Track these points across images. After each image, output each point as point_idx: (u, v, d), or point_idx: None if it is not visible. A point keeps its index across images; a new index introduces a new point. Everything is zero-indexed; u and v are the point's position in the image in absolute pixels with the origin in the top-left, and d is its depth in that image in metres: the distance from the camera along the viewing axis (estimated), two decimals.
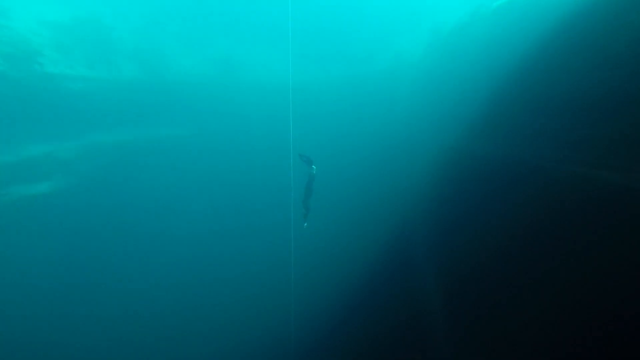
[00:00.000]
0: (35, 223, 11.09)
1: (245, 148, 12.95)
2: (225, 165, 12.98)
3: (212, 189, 12.87)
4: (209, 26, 13.22)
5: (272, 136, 12.49)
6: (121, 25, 12.55)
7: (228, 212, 12.91)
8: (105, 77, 12.71)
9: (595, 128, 8.70)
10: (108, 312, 11.87)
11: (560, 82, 9.51)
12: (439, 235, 10.93)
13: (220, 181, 12.95)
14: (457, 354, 9.44)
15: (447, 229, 10.76)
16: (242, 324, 11.71)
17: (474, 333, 9.27)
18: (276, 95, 12.51)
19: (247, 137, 12.97)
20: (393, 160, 12.12)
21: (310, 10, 12.72)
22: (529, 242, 8.93)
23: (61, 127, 12.01)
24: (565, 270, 8.19)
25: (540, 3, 9.64)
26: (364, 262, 11.83)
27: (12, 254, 10.47)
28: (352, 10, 12.95)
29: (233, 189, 12.95)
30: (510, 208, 9.63)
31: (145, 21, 12.87)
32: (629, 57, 8.19)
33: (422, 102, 11.80)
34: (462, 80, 11.12)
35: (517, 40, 9.60)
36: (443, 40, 11.60)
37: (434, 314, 10.45)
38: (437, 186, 11.22)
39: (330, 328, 11.08)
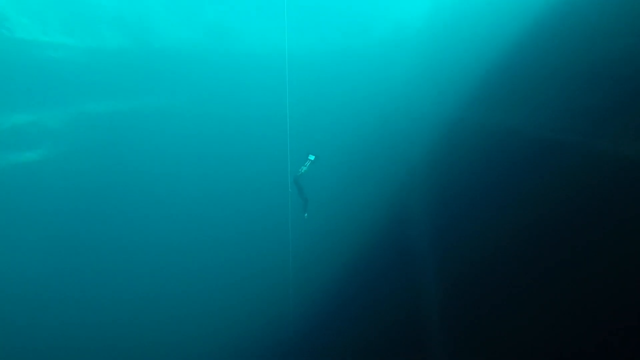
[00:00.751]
0: (26, 191, 10.62)
1: (240, 119, 12.62)
2: (219, 137, 12.64)
3: (206, 161, 12.53)
4: None
5: (267, 107, 12.21)
6: None
7: (223, 183, 12.63)
8: (88, 45, 12.03)
9: (597, 97, 8.86)
10: (99, 284, 11.65)
11: (562, 51, 9.60)
12: (439, 206, 11.05)
13: (214, 154, 12.61)
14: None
15: (447, 200, 10.87)
16: (240, 312, 11.60)
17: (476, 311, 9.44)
18: (271, 65, 12.16)
19: (241, 107, 12.62)
20: (392, 131, 12.08)
21: None
22: (530, 212, 9.15)
23: (45, 96, 11.40)
24: (565, 239, 8.44)
25: None
26: (364, 241, 11.84)
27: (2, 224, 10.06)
28: None
29: (228, 161, 12.65)
30: (510, 178, 9.79)
31: None
32: (632, 27, 8.31)
33: (422, 72, 11.73)
34: (463, 50, 11.10)
35: (521, 11, 9.59)
36: (444, 9, 11.50)
37: (435, 294, 10.61)
38: (437, 157, 11.29)
39: (329, 321, 11.05)
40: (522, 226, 9.05)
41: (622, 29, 8.33)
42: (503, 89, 10.50)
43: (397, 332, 10.26)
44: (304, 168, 10.83)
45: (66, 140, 11.74)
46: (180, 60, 12.37)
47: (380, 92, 12.31)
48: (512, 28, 9.82)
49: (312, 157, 10.89)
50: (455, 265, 10.18)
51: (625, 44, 8.27)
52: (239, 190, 12.69)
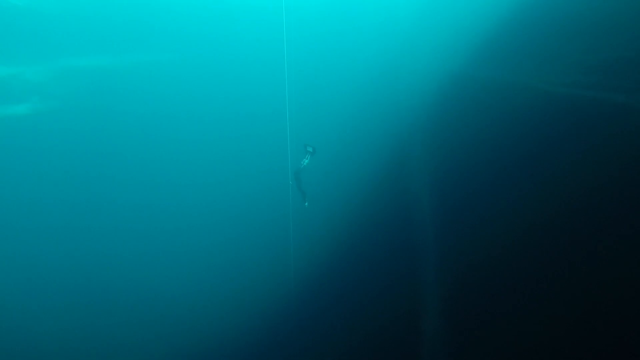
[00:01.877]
0: (14, 143, 10.25)
1: (236, 76, 12.03)
2: (213, 95, 12.10)
3: (202, 121, 12.06)
4: None
5: (264, 59, 11.64)
6: None
7: (218, 140, 12.23)
8: None
9: (611, 50, 8.53)
10: (86, 246, 11.46)
11: (571, 3, 9.14)
12: (442, 164, 10.83)
13: (209, 114, 12.12)
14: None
15: (450, 157, 10.65)
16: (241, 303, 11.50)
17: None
18: (268, 16, 11.49)
19: (237, 63, 12.02)
20: (393, 87, 11.65)
21: None
22: (537, 169, 9.00)
23: (23, 50, 10.74)
24: (573, 194, 8.35)
25: None
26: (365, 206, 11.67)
27: None
28: None
29: (225, 119, 12.18)
30: (518, 135, 9.57)
31: None
32: None
33: (424, 24, 11.17)
34: (469, 1, 10.55)
35: None
36: None
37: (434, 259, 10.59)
38: (441, 114, 10.97)
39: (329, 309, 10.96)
40: (532, 187, 8.91)
41: None
42: (511, 41, 10.06)
43: (398, 323, 10.19)
44: (305, 161, 10.83)
45: (55, 95, 11.17)
46: (175, 12, 11.61)
47: (379, 47, 11.76)
48: None
49: (310, 149, 10.92)
50: (458, 234, 10.10)
51: None
52: (235, 150, 12.32)
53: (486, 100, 10.31)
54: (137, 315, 11.23)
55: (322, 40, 12.14)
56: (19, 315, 10.78)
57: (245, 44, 11.85)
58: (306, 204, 11.15)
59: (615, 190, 7.76)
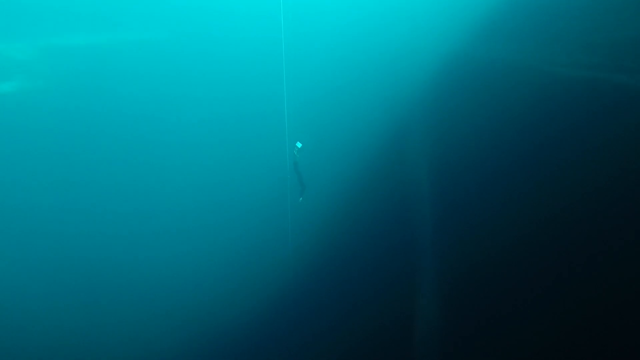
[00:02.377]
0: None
1: (233, 55, 11.64)
2: (209, 75, 11.72)
3: (198, 105, 11.69)
4: None
5: (261, 47, 11.34)
6: None
7: (211, 125, 11.90)
8: None
9: (612, 31, 8.44)
10: (75, 225, 11.21)
11: None
12: (442, 148, 10.74)
13: (205, 96, 11.75)
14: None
15: (450, 141, 10.55)
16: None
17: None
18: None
19: (234, 55, 11.62)
20: (393, 67, 11.44)
21: None
22: (541, 152, 8.97)
23: (5, 26, 10.21)
24: (578, 175, 8.35)
25: None
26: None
27: None
28: None
29: (219, 101, 11.83)
30: (518, 117, 9.50)
31: None
32: None
33: (424, 3, 10.95)
34: None
35: None
36: None
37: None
38: (440, 96, 10.83)
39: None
40: (533, 168, 8.89)
41: None
42: (512, 21, 9.92)
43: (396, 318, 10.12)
44: (299, 145, 10.82)
45: (40, 74, 10.74)
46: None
47: (378, 28, 11.50)
48: None
49: (299, 145, 10.89)
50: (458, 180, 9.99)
51: None
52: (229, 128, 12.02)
53: (486, 82, 10.20)
54: (134, 307, 11.02)
55: (318, 22, 11.83)
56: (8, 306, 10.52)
57: (241, 32, 11.48)
58: (300, 199, 11.07)
59: (618, 174, 7.76)
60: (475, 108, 10.27)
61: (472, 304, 9.21)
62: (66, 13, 10.68)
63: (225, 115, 11.93)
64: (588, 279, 7.76)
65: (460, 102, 10.53)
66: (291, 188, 11.23)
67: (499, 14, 10.11)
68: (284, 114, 10.93)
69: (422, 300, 9.98)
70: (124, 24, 11.07)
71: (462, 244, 9.89)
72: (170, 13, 11.14)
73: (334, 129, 11.88)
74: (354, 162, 11.71)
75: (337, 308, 10.59)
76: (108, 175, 11.42)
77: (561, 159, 8.67)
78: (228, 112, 11.87)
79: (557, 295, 8.08)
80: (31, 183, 10.83)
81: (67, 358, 10.43)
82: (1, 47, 10.19)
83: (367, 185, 11.55)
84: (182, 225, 11.65)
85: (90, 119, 11.09)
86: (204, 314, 10.95)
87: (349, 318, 10.33)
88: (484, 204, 9.69)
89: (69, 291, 10.84)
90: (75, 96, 10.81)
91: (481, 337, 8.69)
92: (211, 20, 11.55)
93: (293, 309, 10.83)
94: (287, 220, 11.40)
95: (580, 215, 8.08)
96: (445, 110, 10.76)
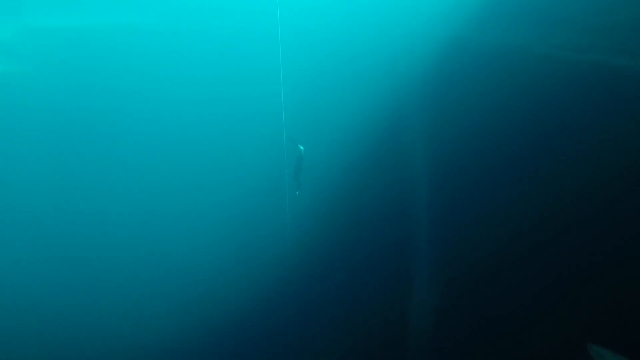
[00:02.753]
0: None
1: (231, 49, 11.31)
2: (205, 67, 11.37)
3: (194, 98, 11.35)
4: None
5: (258, 38, 11.07)
6: None
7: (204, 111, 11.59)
8: None
9: (615, 14, 8.54)
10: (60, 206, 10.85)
11: None
12: (442, 133, 10.72)
13: (201, 89, 11.40)
14: None
15: (450, 129, 10.53)
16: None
17: None
18: None
19: (232, 51, 11.29)
20: (392, 51, 11.33)
21: None
22: (546, 135, 9.06)
23: None
24: (580, 158, 8.48)
25: None
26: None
27: None
28: None
29: (215, 94, 11.50)
30: (521, 100, 9.55)
31: None
32: None
33: None
34: None
35: None
36: None
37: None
38: (441, 82, 10.78)
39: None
40: (536, 152, 8.98)
41: None
42: (514, 3, 9.91)
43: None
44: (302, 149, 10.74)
45: (24, 56, 10.24)
46: None
47: (378, 10, 11.36)
48: None
49: (302, 148, 10.79)
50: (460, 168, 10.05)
51: None
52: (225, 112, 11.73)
53: (486, 66, 10.16)
54: (133, 302, 10.74)
55: (315, 10, 11.63)
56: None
57: (238, 26, 11.15)
58: (297, 192, 11.01)
59: (620, 158, 7.90)
60: (476, 93, 10.19)
61: (472, 293, 9.10)
62: None
63: (223, 109, 11.65)
64: (589, 277, 7.83)
65: (461, 88, 10.44)
66: (289, 182, 11.10)
67: (503, 1, 10.10)
68: (281, 107, 10.74)
69: (420, 290, 9.99)
70: (118, 10, 10.66)
71: (462, 229, 9.90)
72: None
73: (331, 122, 11.76)
74: (353, 154, 11.60)
75: (335, 302, 10.49)
76: (100, 162, 11.05)
77: (563, 143, 8.78)
78: (225, 106, 11.60)
79: (557, 294, 8.11)
80: (15, 166, 10.42)
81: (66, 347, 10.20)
82: None
83: (366, 177, 11.42)
84: (181, 219, 11.43)
85: (75, 103, 10.68)
86: (201, 307, 10.76)
87: (347, 312, 10.20)
88: (487, 192, 9.67)
89: (64, 277, 10.53)
90: (58, 79, 10.38)
91: (478, 329, 8.56)
92: (207, 14, 11.33)
93: (291, 303, 10.72)
94: (286, 215, 11.34)
95: (584, 195, 8.21)
96: (445, 96, 10.70)
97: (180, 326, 10.38)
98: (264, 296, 10.64)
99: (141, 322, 10.43)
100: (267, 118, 11.22)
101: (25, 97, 10.30)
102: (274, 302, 10.58)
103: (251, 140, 11.65)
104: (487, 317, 8.51)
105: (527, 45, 9.65)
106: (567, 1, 8.98)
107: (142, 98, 11.19)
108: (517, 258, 8.71)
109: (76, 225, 10.85)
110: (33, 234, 10.59)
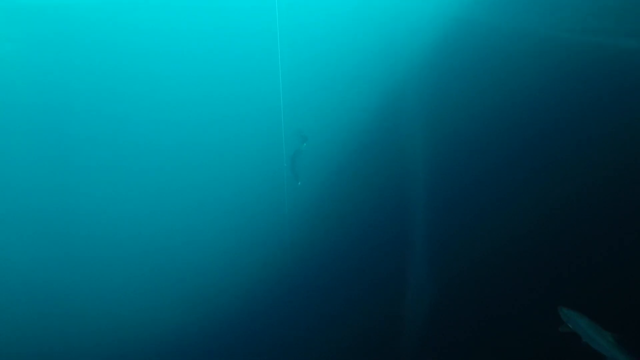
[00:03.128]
0: None
1: (229, 42, 10.85)
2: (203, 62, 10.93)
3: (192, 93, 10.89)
4: None
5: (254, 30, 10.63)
6: None
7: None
8: None
9: None
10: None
11: None
12: (445, 124, 10.41)
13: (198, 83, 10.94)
14: None
15: (452, 111, 10.24)
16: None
17: None
18: None
19: (229, 45, 10.82)
20: (391, 32, 10.93)
21: None
22: (548, 117, 8.86)
23: None
24: (585, 144, 8.29)
25: None
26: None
27: None
28: None
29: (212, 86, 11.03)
30: (523, 85, 9.30)
31: None
32: None
33: None
34: None
35: None
36: None
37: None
38: (442, 63, 10.45)
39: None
40: (540, 139, 8.75)
41: None
42: None
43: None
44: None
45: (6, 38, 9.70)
46: None
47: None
48: None
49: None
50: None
51: None
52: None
53: (488, 50, 9.90)
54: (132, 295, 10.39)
55: None
56: None
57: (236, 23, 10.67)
58: (299, 183, 10.63)
59: (628, 144, 7.73)
60: (478, 80, 9.94)
61: (471, 292, 8.96)
62: None
63: (221, 101, 11.23)
64: (589, 277, 7.69)
65: (462, 75, 10.16)
66: (288, 176, 10.70)
67: None
68: (279, 100, 10.38)
69: (419, 287, 9.81)
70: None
71: (464, 218, 9.75)
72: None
73: (330, 116, 11.44)
74: (352, 147, 11.34)
75: (333, 298, 10.30)
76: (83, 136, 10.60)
77: (569, 128, 8.58)
78: (223, 98, 11.17)
79: (557, 294, 7.74)
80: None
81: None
82: None
83: (365, 171, 11.18)
84: (177, 212, 11.07)
85: (59, 84, 10.19)
86: (197, 303, 10.48)
87: (346, 308, 10.03)
88: (489, 180, 9.44)
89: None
90: (43, 60, 9.88)
91: (478, 329, 8.47)
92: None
93: (289, 302, 10.51)
94: (284, 208, 11.00)
95: (591, 179, 7.99)
96: (448, 74, 10.38)
97: (174, 322, 10.04)
98: (261, 293, 10.38)
99: (138, 316, 10.07)
100: (266, 111, 10.91)
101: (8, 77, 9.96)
102: (271, 300, 10.32)
103: (249, 133, 11.18)
104: (486, 317, 8.33)
105: (531, 28, 9.38)
106: None
107: (139, 94, 10.85)
108: (517, 257, 8.52)
109: (69, 211, 10.57)
110: (18, 219, 10.28)
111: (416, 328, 9.17)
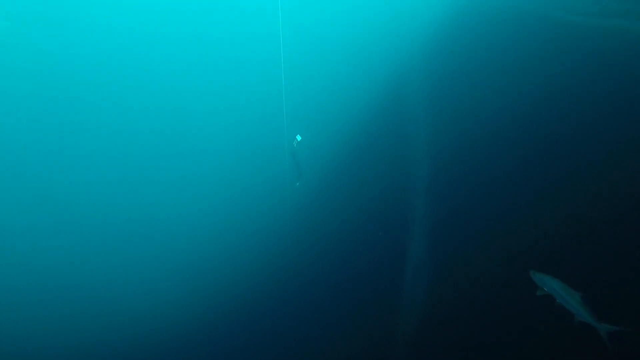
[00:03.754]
0: None
1: (233, 42, 10.64)
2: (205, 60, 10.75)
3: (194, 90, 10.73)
4: None
5: (257, 26, 10.40)
6: None
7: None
8: None
9: None
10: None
11: None
12: (445, 100, 10.01)
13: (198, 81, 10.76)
14: None
15: (456, 94, 9.85)
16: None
17: None
18: None
19: (233, 43, 10.61)
20: (393, 16, 10.58)
21: None
22: (558, 99, 8.41)
23: None
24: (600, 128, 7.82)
25: None
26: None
27: None
28: None
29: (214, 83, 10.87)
30: (534, 70, 8.86)
31: None
32: None
33: None
34: None
35: None
36: None
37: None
38: (447, 46, 10.05)
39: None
40: (553, 124, 8.31)
41: None
42: None
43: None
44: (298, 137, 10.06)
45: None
46: None
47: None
48: None
49: (299, 138, 10.18)
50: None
51: None
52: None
53: (501, 33, 9.49)
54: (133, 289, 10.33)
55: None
56: None
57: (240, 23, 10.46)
58: (297, 183, 10.59)
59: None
60: (488, 66, 9.51)
61: (472, 291, 8.71)
62: None
63: (224, 101, 11.11)
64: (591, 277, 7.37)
65: (472, 50, 9.72)
66: (290, 174, 10.54)
67: None
68: (282, 98, 10.14)
69: (419, 285, 9.58)
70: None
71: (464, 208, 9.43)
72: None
73: (331, 111, 11.21)
74: (353, 144, 11.12)
75: (334, 297, 10.13)
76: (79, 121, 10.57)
77: (585, 122, 8.05)
78: (227, 98, 11.03)
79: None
80: None
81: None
82: None
83: (365, 171, 10.97)
84: (180, 210, 11.03)
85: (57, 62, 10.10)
86: (200, 300, 10.40)
87: (345, 307, 9.88)
88: (490, 181, 9.03)
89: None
90: (38, 39, 9.70)
91: (477, 329, 8.26)
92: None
93: (288, 301, 10.38)
94: (285, 209, 10.87)
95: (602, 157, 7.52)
96: (454, 71, 9.97)
97: (175, 320, 9.95)
98: (261, 292, 10.23)
99: (141, 314, 10.00)
100: (269, 112, 10.68)
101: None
102: (271, 300, 10.17)
103: (251, 134, 11.20)
104: (486, 317, 8.05)
105: (544, 11, 8.90)
106: None
107: (144, 95, 10.81)
108: (517, 257, 8.08)
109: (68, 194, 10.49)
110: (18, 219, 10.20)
111: (416, 328, 8.94)
